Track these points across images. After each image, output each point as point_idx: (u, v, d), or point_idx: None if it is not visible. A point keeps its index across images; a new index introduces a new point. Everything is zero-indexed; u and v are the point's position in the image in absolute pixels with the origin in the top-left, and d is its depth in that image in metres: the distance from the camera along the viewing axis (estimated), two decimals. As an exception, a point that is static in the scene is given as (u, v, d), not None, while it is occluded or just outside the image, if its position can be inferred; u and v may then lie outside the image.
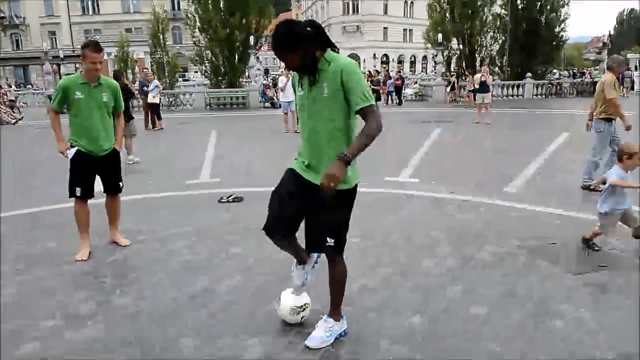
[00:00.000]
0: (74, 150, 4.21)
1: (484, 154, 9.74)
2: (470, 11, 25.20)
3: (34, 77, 48.74)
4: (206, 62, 24.17)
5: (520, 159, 8.45)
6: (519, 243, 4.43)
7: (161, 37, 26.47)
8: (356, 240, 4.32)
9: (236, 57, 24.37)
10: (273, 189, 2.86)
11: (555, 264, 3.97)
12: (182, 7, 50.29)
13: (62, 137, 4.28)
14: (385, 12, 58.31)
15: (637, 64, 42.09)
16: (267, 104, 23.12)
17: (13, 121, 18.53)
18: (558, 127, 13.34)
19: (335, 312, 2.87)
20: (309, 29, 2.45)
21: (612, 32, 35.61)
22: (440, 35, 25.17)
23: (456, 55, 27.35)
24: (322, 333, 2.82)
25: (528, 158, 8.53)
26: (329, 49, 2.52)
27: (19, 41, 53.11)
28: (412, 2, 60.06)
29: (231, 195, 6.25)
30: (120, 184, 4.58)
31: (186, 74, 42.44)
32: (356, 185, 2.69)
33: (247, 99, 22.93)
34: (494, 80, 22.63)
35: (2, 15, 50.98)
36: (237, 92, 23.28)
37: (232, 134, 13.45)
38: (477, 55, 26.80)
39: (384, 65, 51.79)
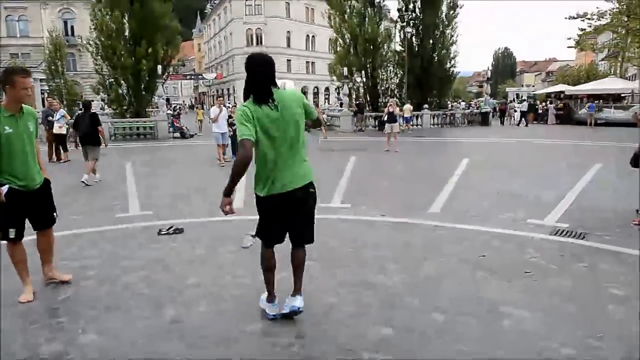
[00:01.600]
0: (5, 188, 3.85)
1: (402, 178, 10.50)
2: (371, 46, 26.93)
3: None
4: (110, 90, 23.19)
5: (435, 183, 9.27)
6: (455, 257, 4.96)
7: (59, 63, 24.88)
8: (313, 263, 4.55)
9: (142, 86, 23.68)
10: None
11: (492, 273, 4.51)
12: (76, 32, 48.01)
13: None
14: (289, 45, 60.02)
15: (514, 97, 47.38)
16: (177, 134, 22.66)
17: None
18: (458, 153, 14.73)
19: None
20: None
21: (490, 68, 39.70)
22: (345, 69, 26.53)
23: (359, 87, 28.92)
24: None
25: (441, 181, 9.37)
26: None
27: None
28: (313, 36, 62.49)
29: (171, 227, 6.18)
30: (55, 214, 4.34)
31: (78, 102, 40.05)
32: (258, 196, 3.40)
33: (156, 129, 22.28)
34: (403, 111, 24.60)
35: None
36: (144, 122, 22.54)
37: (148, 166, 13.07)
38: (378, 88, 28.58)
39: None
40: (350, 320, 3.58)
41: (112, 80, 23.00)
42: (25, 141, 3.97)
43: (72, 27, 48.79)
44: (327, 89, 63.24)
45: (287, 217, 3.42)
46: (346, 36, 27.91)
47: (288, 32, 59.80)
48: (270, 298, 3.67)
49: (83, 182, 9.41)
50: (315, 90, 63.59)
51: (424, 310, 3.73)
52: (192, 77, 64.47)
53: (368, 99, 28.44)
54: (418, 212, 6.96)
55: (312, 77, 62.76)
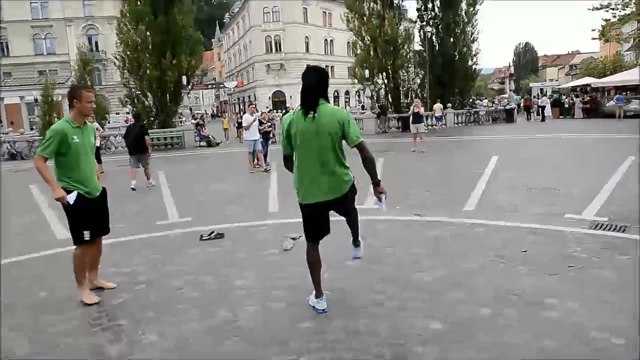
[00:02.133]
0: (74, 194, 4.16)
1: (433, 178, 10.52)
2: (392, 48, 26.92)
3: None
4: (137, 102, 23.74)
5: (466, 181, 9.28)
6: (494, 253, 4.99)
7: (88, 78, 25.67)
8: (354, 262, 4.65)
9: (167, 97, 24.17)
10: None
11: (532, 267, 4.54)
12: (100, 47, 49.28)
13: (57, 184, 4.12)
14: (307, 50, 60.45)
15: (538, 92, 46.64)
16: (203, 143, 23.07)
17: None
18: (486, 151, 14.64)
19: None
20: None
21: (512, 64, 39.12)
22: (367, 71, 26.58)
23: (382, 90, 28.91)
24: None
25: (472, 179, 9.37)
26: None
27: None
28: (331, 40, 62.76)
29: (212, 232, 6.35)
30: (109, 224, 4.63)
31: (106, 116, 41.04)
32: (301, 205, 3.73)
33: (183, 139, 22.74)
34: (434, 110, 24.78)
35: None
36: (172, 132, 23.01)
37: (181, 174, 13.38)
38: (400, 89, 28.52)
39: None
40: (396, 315, 3.67)
41: (139, 92, 23.52)
42: (88, 151, 4.34)
43: (96, 43, 50.15)
44: (347, 93, 63.36)
45: (323, 218, 3.72)
46: (366, 38, 27.92)
47: (306, 37, 60.19)
48: (318, 294, 3.80)
49: (148, 186, 10.80)
50: (336, 94, 63.72)
51: (468, 304, 3.79)
52: (214, 86, 65.35)
53: (390, 100, 28.41)
54: (453, 210, 7.00)
55: (331, 82, 62.41)
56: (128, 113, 26.27)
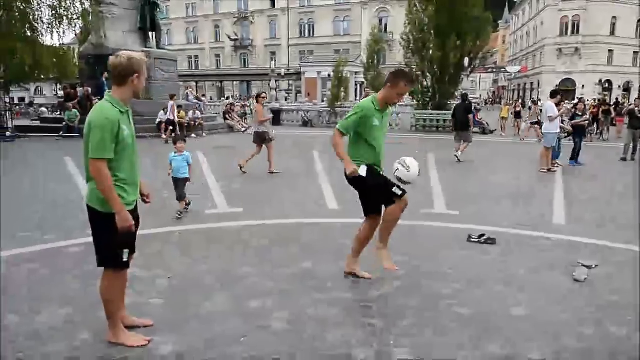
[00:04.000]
0: (364, 167, 3.99)
1: None
2: None
3: (254, 91, 54.94)
4: (416, 82, 24.02)
5: None
6: None
7: (375, 57, 27.29)
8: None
9: (446, 78, 23.70)
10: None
11: None
12: (389, 29, 51.95)
13: (349, 159, 4.01)
14: (612, 32, 51.29)
15: None
16: (476, 129, 21.83)
17: (243, 130, 20.80)
18: None
19: None
20: None
21: None
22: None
23: None
24: None
25: None
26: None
27: (246, 60, 60.81)
28: (647, 21, 51.79)
29: (482, 235, 5.53)
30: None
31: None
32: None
33: (454, 123, 22.00)
34: None
35: (236, 37, 58.98)
36: (445, 114, 22.54)
37: (451, 160, 12.64)
38: None
39: (605, 93, 45.45)
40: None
41: (419, 72, 23.67)
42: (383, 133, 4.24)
43: (385, 25, 52.96)
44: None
45: None
46: None
47: (613, 17, 50.96)
48: None
49: (456, 156, 12.10)
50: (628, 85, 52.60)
51: None
52: (494, 70, 62.07)
53: None
54: None
55: (624, 70, 51.87)
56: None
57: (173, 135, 13.20)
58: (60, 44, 24.09)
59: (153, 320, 3.38)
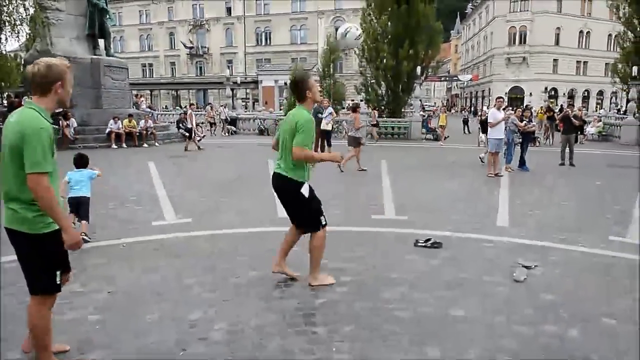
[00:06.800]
0: (307, 187, 4.06)
1: None
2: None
3: (211, 99, 54.29)
4: (370, 90, 24.37)
5: None
6: None
7: (331, 66, 27.53)
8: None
9: (400, 87, 24.19)
10: None
11: None
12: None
13: (328, 154, 4.18)
14: (557, 42, 53.88)
15: None
16: (429, 136, 22.40)
17: (198, 138, 20.35)
18: None
19: None
20: None
21: None
22: (635, 68, 22.03)
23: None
24: None
25: None
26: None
27: (202, 68, 60.01)
28: (587, 32, 54.67)
29: (429, 239, 5.64)
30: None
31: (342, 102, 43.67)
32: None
33: (409, 130, 22.45)
34: None
35: (191, 45, 58.12)
36: (399, 122, 22.97)
37: (403, 166, 12.88)
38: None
39: (551, 100, 47.59)
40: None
41: (373, 80, 24.04)
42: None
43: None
44: (600, 93, 54.77)
45: None
46: (639, 29, 23.19)
47: (557, 28, 53.62)
48: None
49: (480, 158, 12.92)
50: (586, 94, 55.69)
51: None
52: (447, 78, 63.81)
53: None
54: None
55: (582, 79, 55.12)
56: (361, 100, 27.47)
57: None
58: (1, 51, 22.99)
59: (85, 337, 3.25)
